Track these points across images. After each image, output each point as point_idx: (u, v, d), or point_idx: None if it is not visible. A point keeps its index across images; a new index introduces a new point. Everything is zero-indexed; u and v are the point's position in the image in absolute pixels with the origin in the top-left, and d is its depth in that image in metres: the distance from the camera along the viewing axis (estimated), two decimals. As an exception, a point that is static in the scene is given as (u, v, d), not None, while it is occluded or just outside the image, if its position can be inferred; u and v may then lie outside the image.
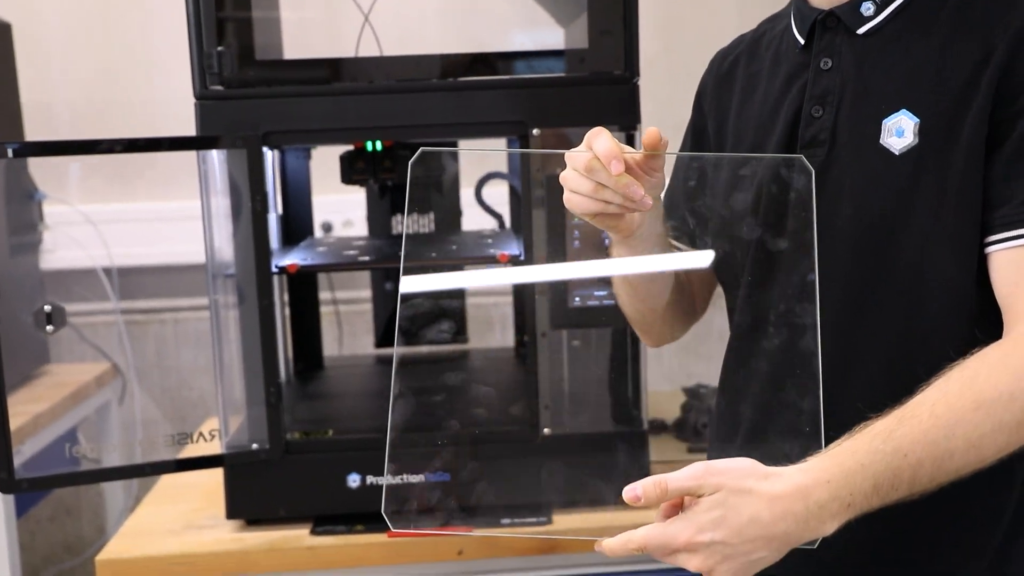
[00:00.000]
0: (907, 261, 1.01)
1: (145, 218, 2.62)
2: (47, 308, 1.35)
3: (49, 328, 1.36)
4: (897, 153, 1.01)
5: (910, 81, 1.01)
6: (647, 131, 1.00)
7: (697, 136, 1.27)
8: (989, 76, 0.96)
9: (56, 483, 1.41)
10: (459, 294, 1.94)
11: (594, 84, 1.48)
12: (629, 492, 0.88)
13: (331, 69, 1.49)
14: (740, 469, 0.86)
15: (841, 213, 1.04)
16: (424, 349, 2.09)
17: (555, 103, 1.47)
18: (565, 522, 1.50)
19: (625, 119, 1.48)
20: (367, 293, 2.67)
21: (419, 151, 1.02)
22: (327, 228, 2.54)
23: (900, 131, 1.01)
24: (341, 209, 2.54)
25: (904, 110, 1.01)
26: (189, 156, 1.43)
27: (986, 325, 0.97)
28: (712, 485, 0.85)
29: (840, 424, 0.92)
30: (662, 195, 1.14)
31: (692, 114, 1.29)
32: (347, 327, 2.61)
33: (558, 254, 1.47)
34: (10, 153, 1.30)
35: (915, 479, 0.86)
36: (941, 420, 0.87)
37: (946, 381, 0.89)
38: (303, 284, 1.91)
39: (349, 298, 2.62)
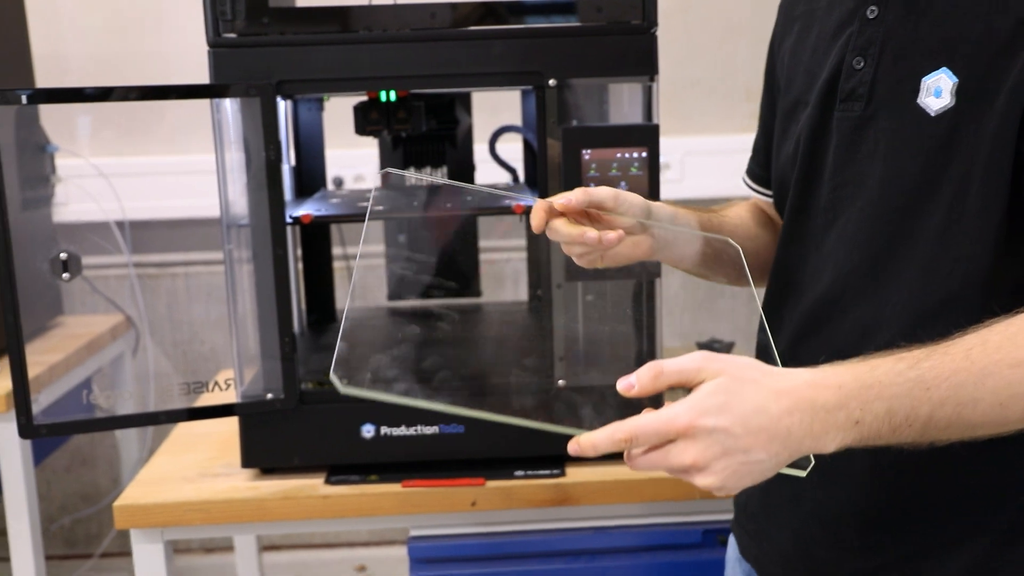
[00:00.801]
0: (932, 229, 0.96)
1: (156, 172, 2.61)
2: (63, 256, 1.35)
3: (65, 276, 1.36)
4: (932, 115, 0.96)
5: (954, 37, 0.95)
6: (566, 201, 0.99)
7: (767, 79, 1.25)
8: None
9: (73, 429, 1.42)
10: (472, 244, 1.93)
11: (612, 34, 1.46)
12: (623, 382, 0.82)
13: (345, 17, 1.48)
14: (743, 360, 0.81)
15: (873, 174, 1.00)
16: (434, 302, 2.09)
17: (572, 53, 1.46)
18: (578, 474, 1.51)
19: (642, 69, 1.46)
20: (377, 248, 2.68)
21: (384, 171, 1.02)
22: (338, 183, 2.53)
23: (938, 91, 0.96)
24: (352, 163, 2.53)
25: (945, 68, 0.95)
26: (200, 109, 1.42)
27: (1004, 299, 0.91)
28: (713, 371, 0.79)
29: None
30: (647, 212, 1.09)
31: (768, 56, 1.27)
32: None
33: (573, 206, 1.46)
34: (24, 99, 1.29)
35: (931, 419, 0.80)
36: (976, 365, 0.81)
37: (988, 331, 0.84)
38: (316, 236, 1.91)
39: (359, 252, 2.62)
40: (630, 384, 0.82)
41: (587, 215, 1.04)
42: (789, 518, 1.10)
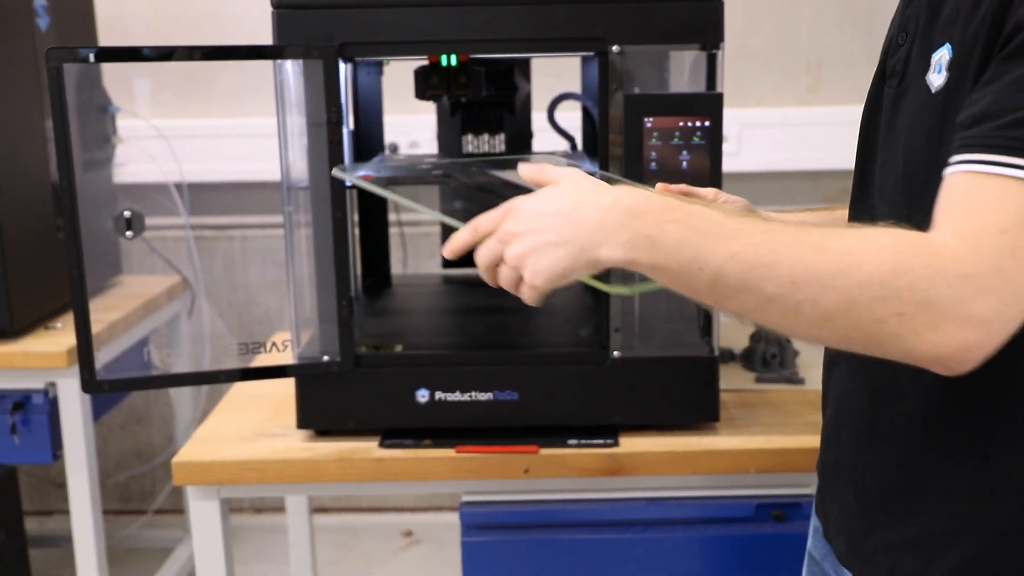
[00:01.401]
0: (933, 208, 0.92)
1: (214, 134, 2.63)
2: (127, 214, 1.36)
3: (128, 234, 1.38)
4: (933, 91, 0.92)
5: (959, 9, 0.90)
6: None
7: None
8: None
9: (134, 386, 1.45)
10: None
11: (677, 0, 1.43)
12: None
13: (409, -20, 1.46)
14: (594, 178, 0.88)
15: (899, 151, 0.98)
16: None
17: (636, 19, 1.43)
18: (632, 444, 1.50)
19: (708, 38, 1.44)
20: (429, 216, 2.68)
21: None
22: (393, 149, 2.53)
23: (940, 67, 0.91)
24: (408, 130, 2.53)
25: (948, 44, 0.91)
26: (257, 72, 1.43)
27: None
28: (559, 177, 0.89)
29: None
30: None
31: None
32: (411, 247, 2.62)
33: (634, 175, 1.45)
34: (91, 57, 1.30)
35: (721, 271, 0.79)
36: (783, 236, 0.80)
37: (812, 224, 0.83)
38: (373, 201, 1.91)
39: (412, 219, 2.63)
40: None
41: None
42: (839, 483, 1.09)
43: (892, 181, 0.99)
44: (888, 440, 0.98)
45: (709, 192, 1.11)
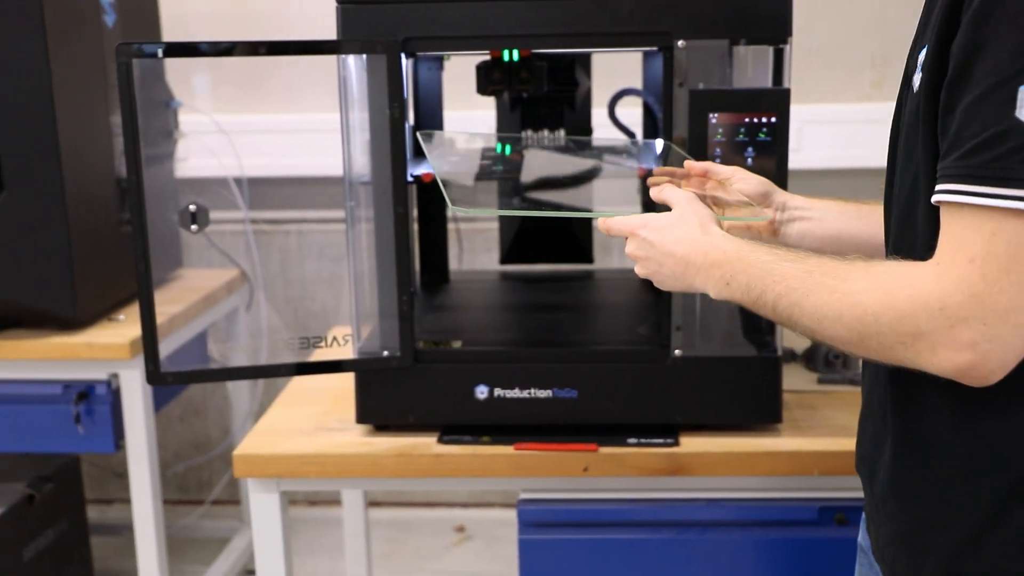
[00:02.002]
0: (920, 208, 0.93)
1: (272, 129, 2.66)
2: (192, 208, 1.38)
3: (193, 227, 1.40)
4: (914, 90, 0.93)
5: (940, 7, 0.89)
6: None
7: None
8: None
9: (198, 378, 1.47)
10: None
11: (744, -6, 1.41)
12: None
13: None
14: (701, 208, 1.11)
15: (900, 152, 0.99)
16: (545, 268, 2.08)
17: (701, 13, 1.41)
18: (692, 444, 1.49)
19: (775, 32, 1.42)
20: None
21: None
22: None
23: (921, 66, 0.92)
24: (464, 126, 2.52)
25: (927, 45, 0.91)
26: (316, 68, 1.43)
27: None
28: (678, 202, 1.13)
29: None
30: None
31: None
32: (466, 243, 2.62)
33: (698, 172, 1.43)
34: (159, 53, 1.32)
35: (775, 307, 0.98)
36: (808, 281, 0.94)
37: (841, 261, 0.95)
38: (432, 196, 1.91)
39: (468, 216, 2.62)
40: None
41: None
42: (864, 478, 1.11)
43: (899, 182, 1.00)
44: (892, 435, 1.01)
45: (727, 170, 1.23)
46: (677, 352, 1.50)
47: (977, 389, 0.88)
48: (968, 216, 0.83)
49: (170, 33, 2.47)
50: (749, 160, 1.40)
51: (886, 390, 1.01)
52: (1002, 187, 0.81)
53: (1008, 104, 0.79)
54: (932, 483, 0.96)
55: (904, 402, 0.99)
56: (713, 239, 1.06)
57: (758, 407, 1.50)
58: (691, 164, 1.25)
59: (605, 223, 1.14)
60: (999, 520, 0.92)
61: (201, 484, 2.95)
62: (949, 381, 0.88)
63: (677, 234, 1.08)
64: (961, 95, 0.84)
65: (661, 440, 1.49)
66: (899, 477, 1.00)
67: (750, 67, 1.49)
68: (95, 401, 2.01)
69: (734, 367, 1.49)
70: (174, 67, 2.41)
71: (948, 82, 0.86)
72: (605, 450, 1.48)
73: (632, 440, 1.50)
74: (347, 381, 1.56)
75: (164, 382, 1.40)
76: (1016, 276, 0.81)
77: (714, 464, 1.47)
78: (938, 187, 0.86)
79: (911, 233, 0.96)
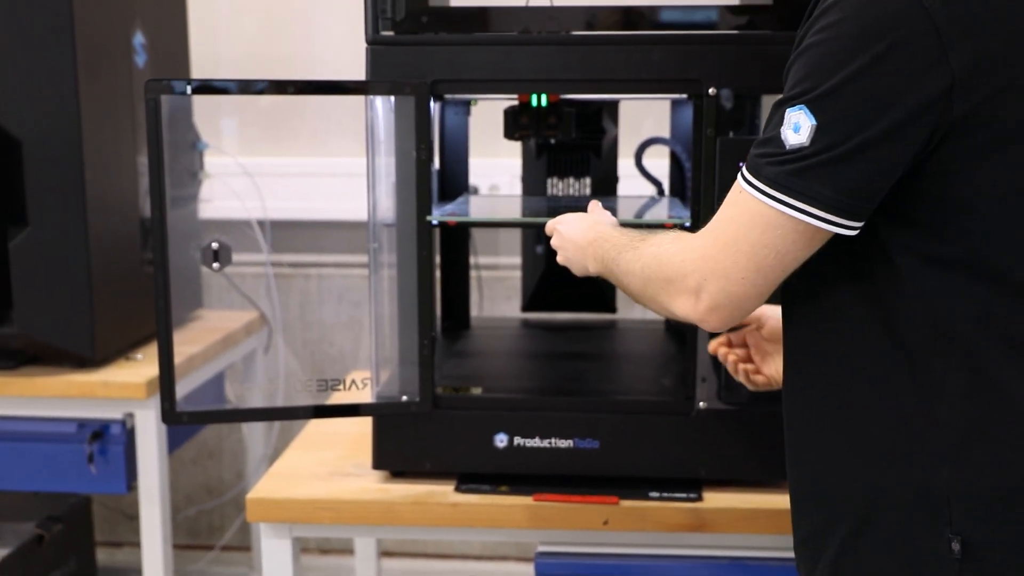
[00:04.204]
0: None
1: (297, 172, 2.66)
2: (214, 246, 1.37)
3: (215, 265, 1.38)
4: None
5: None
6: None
7: None
8: None
9: (214, 418, 1.45)
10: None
11: (776, 43, 1.39)
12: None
13: (501, 18, 1.46)
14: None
15: None
16: (568, 316, 2.06)
17: (733, 62, 1.40)
18: (716, 500, 1.45)
19: (806, 82, 1.40)
20: (507, 260, 2.66)
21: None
22: (473, 191, 2.52)
23: None
24: (488, 172, 2.52)
25: None
26: (341, 112, 1.43)
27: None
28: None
29: None
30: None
31: None
32: (487, 290, 2.60)
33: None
34: (188, 90, 1.32)
35: (612, 270, 1.17)
36: (630, 245, 1.15)
37: (667, 232, 1.15)
38: (455, 241, 1.90)
39: (489, 263, 2.61)
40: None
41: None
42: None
43: None
44: (788, 453, 1.14)
45: (597, 205, 1.35)
46: (702, 404, 1.47)
47: (833, 408, 1.05)
48: (734, 193, 1.03)
49: (199, 74, 2.48)
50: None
51: (787, 413, 1.15)
52: (752, 176, 0.99)
53: (780, 121, 0.97)
54: (816, 493, 1.08)
55: (789, 425, 1.13)
56: (596, 227, 1.24)
57: (785, 463, 1.46)
58: (595, 203, 1.36)
59: (547, 225, 1.33)
60: (869, 522, 1.02)
61: (212, 529, 2.90)
62: (805, 408, 1.08)
63: (579, 225, 1.27)
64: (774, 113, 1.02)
65: (684, 495, 1.46)
66: (797, 488, 1.12)
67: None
68: (109, 441, 1.99)
69: (761, 421, 1.45)
70: (202, 109, 2.42)
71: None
72: (626, 503, 1.44)
73: (654, 494, 1.46)
74: (364, 426, 1.53)
75: (180, 421, 1.38)
76: (736, 248, 1.00)
77: (739, 521, 1.43)
78: None
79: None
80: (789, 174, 0.95)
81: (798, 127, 0.95)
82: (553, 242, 1.31)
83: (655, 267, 1.08)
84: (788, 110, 0.96)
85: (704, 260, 1.02)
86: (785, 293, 1.10)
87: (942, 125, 0.93)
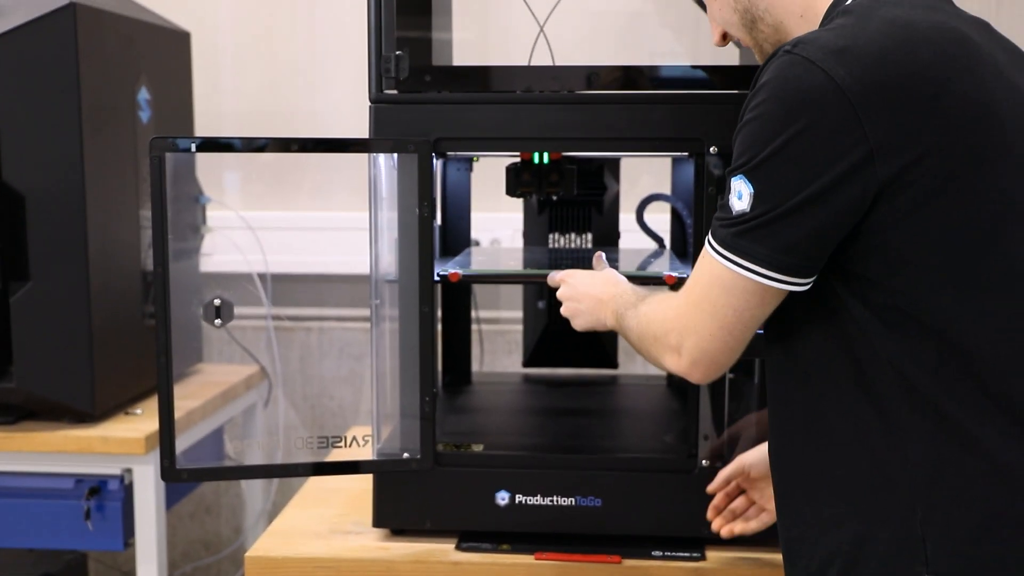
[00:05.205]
0: None
1: (299, 226, 2.67)
2: (216, 302, 1.37)
3: (217, 321, 1.38)
4: None
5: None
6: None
7: None
8: None
9: (214, 476, 1.44)
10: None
11: (776, 102, 1.41)
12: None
13: (504, 77, 1.48)
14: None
15: None
16: (570, 371, 2.05)
17: (734, 120, 1.41)
18: (719, 559, 1.43)
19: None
20: (508, 313, 2.66)
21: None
22: (475, 244, 2.53)
23: None
24: (489, 227, 2.53)
25: None
26: (346, 167, 1.44)
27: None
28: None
29: None
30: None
31: None
32: (488, 345, 2.59)
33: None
34: (192, 148, 1.32)
35: (622, 327, 1.25)
36: (635, 303, 1.23)
37: (653, 296, 1.23)
38: (457, 296, 1.90)
39: (490, 316, 2.61)
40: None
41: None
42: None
43: None
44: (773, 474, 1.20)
45: (602, 256, 1.43)
46: (704, 462, 1.46)
47: (813, 456, 1.11)
48: (702, 255, 1.11)
49: (203, 129, 2.50)
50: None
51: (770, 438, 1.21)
52: (711, 239, 1.09)
53: (730, 189, 1.07)
54: (804, 540, 1.13)
55: (776, 477, 1.18)
56: (618, 282, 1.32)
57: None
58: (599, 255, 1.44)
59: (549, 277, 1.39)
60: (857, 564, 1.06)
61: (209, 585, 2.87)
62: (789, 458, 1.14)
63: (594, 280, 1.33)
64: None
65: (687, 554, 1.44)
66: (784, 539, 1.17)
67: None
68: (106, 497, 1.97)
69: (764, 479, 1.44)
70: (205, 163, 2.44)
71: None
72: (629, 562, 1.43)
73: (657, 553, 1.45)
74: (365, 482, 1.52)
75: (179, 479, 1.37)
76: (702, 307, 1.09)
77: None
78: None
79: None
80: (735, 235, 1.05)
81: (740, 194, 1.05)
82: (561, 292, 1.35)
83: (646, 324, 1.18)
84: (732, 179, 1.06)
85: (679, 318, 1.12)
86: (765, 349, 1.17)
87: (871, 186, 1.00)
